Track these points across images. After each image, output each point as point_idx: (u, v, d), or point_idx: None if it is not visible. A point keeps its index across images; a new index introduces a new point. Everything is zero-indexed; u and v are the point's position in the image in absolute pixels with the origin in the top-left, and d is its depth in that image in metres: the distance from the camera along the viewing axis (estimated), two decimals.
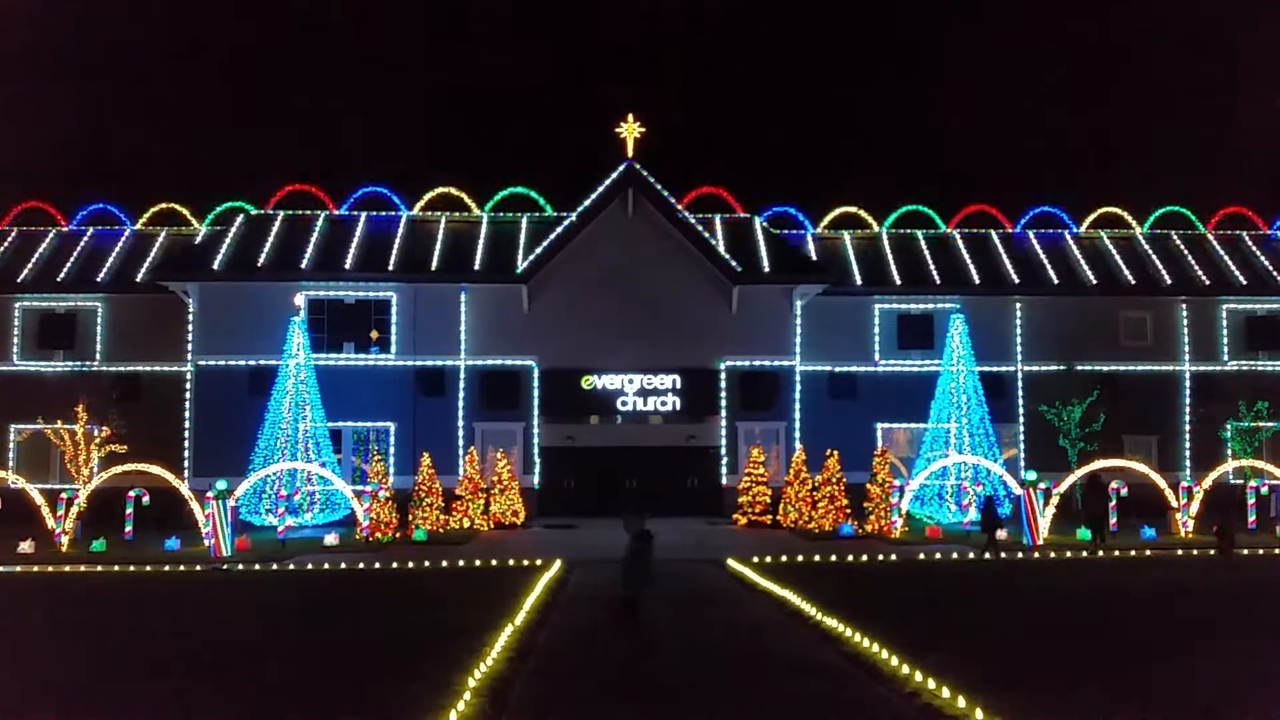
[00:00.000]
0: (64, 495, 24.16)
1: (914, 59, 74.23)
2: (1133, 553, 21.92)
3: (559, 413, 30.78)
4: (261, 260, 30.86)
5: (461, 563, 20.35)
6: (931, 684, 9.51)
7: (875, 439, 31.60)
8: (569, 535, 26.07)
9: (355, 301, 31.16)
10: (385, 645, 11.99)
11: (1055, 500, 24.22)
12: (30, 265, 32.54)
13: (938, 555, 21.52)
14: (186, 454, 29.84)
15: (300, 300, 29.54)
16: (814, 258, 33.30)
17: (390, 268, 30.89)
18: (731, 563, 19.69)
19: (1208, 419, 31.99)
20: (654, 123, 34.76)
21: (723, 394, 30.85)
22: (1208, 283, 33.15)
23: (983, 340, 30.80)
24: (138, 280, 31.97)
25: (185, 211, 35.13)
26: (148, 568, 20.15)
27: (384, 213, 33.79)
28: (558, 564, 19.29)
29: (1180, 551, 22.32)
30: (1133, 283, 33.05)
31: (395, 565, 20.07)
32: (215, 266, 30.41)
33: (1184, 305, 33.09)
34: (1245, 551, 21.33)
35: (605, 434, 31.00)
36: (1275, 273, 33.76)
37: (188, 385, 30.39)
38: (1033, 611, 14.55)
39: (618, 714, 9.02)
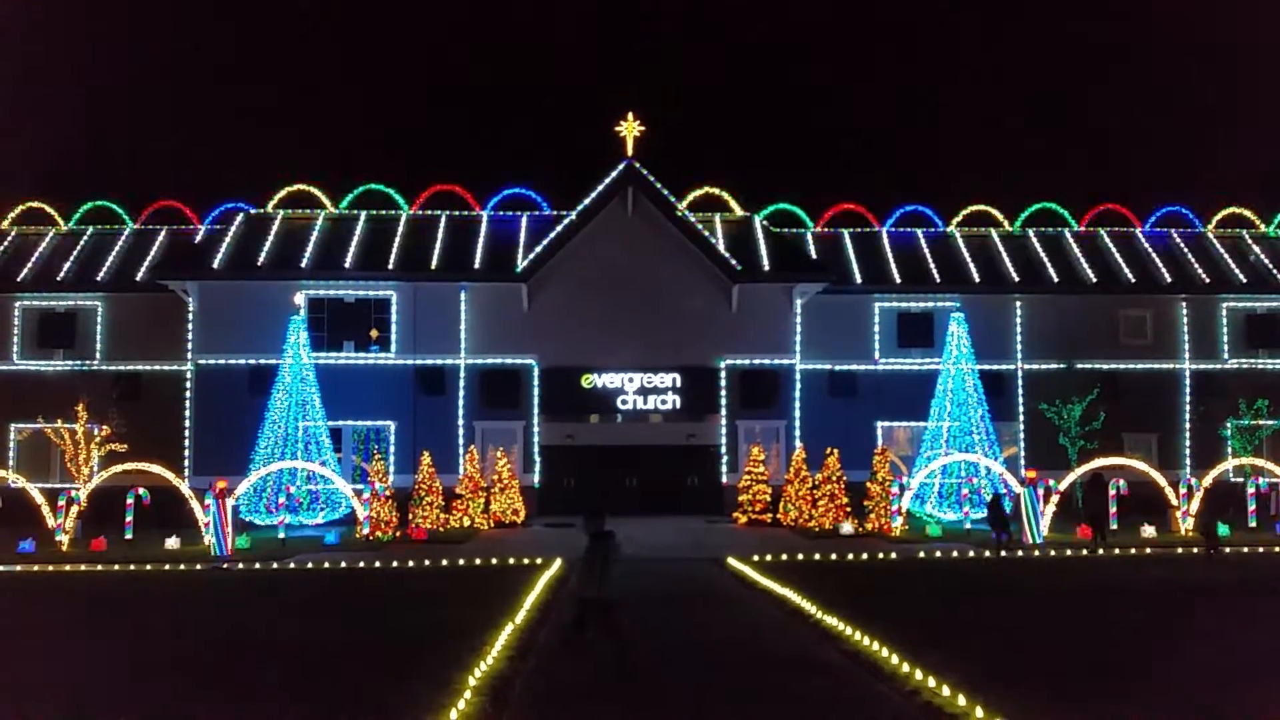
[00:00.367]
0: (70, 493, 24.14)
1: (914, 58, 74.28)
2: (1133, 551, 21.93)
3: (559, 411, 30.78)
4: (261, 259, 30.88)
5: (462, 561, 20.35)
6: (932, 682, 9.51)
7: (875, 437, 31.62)
8: (569, 534, 25.97)
9: (355, 300, 31.16)
10: (385, 644, 11.98)
11: (1055, 500, 24.22)
12: (30, 264, 32.55)
13: (938, 554, 21.54)
14: (187, 453, 29.87)
15: (300, 299, 29.53)
16: (814, 256, 33.30)
17: (390, 266, 30.89)
18: (732, 561, 19.69)
19: (1208, 417, 32.03)
20: (654, 122, 34.82)
21: (723, 392, 30.85)
22: (1208, 281, 33.14)
23: (983, 338, 30.80)
24: (138, 279, 31.97)
25: (186, 210, 35.15)
26: (148, 567, 20.16)
27: (384, 211, 33.81)
28: (558, 562, 19.28)
29: (1180, 550, 22.32)
30: (1133, 281, 33.06)
31: (395, 564, 20.08)
32: (215, 265, 30.43)
33: (1184, 303, 33.09)
34: (1229, 550, 21.21)
35: (605, 433, 31.00)
36: (1275, 271, 33.78)
37: (188, 384, 30.41)
38: (1033, 610, 14.56)
39: (618, 713, 9.01)
